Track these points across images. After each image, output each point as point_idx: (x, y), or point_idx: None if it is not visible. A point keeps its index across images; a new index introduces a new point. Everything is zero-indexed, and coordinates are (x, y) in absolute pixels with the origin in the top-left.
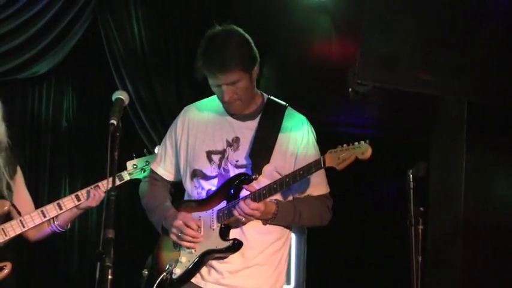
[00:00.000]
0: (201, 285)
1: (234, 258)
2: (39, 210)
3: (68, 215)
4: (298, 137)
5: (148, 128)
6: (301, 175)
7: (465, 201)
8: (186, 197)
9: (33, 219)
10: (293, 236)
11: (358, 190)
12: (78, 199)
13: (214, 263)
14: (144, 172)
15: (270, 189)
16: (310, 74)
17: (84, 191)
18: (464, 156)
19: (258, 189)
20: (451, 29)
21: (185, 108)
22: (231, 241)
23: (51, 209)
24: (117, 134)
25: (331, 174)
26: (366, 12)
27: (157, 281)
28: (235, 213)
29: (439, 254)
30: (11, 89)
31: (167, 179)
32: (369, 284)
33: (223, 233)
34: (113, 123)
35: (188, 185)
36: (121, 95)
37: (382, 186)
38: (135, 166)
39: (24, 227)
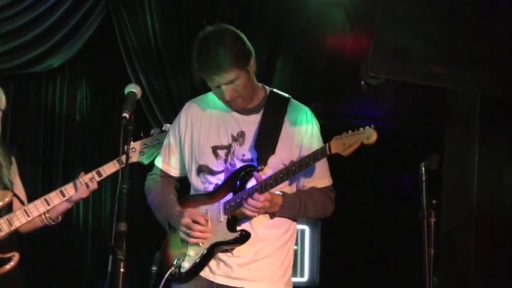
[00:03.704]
0: (210, 278)
1: (243, 251)
2: (42, 199)
3: (60, 208)
4: (302, 128)
5: (162, 121)
6: (307, 163)
7: (478, 193)
8: (192, 192)
9: (37, 208)
10: (307, 228)
11: (371, 182)
12: (63, 195)
13: (223, 256)
14: (142, 155)
15: (276, 179)
16: (324, 67)
17: (68, 186)
18: (477, 148)
19: (264, 180)
20: (464, 22)
21: (187, 103)
22: (239, 232)
23: (54, 197)
24: (130, 128)
25: (344, 168)
26: (379, 5)
27: (165, 276)
28: (247, 212)
29: (451, 246)
30: (25, 82)
31: (172, 174)
32: (382, 276)
33: (231, 225)
34: (125, 117)
35: (194, 180)
36: (133, 88)
37: (395, 179)
38: (133, 150)
39: (29, 216)
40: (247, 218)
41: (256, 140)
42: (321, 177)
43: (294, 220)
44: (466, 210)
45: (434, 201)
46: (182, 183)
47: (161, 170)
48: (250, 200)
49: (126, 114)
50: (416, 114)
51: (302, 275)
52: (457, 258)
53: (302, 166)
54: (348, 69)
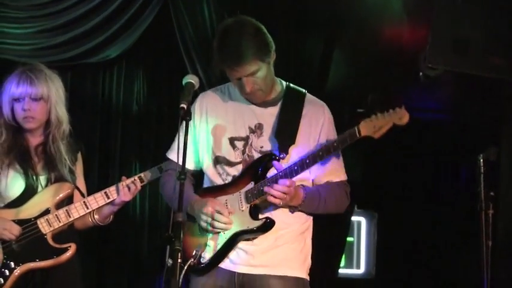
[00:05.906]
0: (230, 269)
1: (262, 239)
2: (102, 192)
3: (106, 211)
4: (319, 122)
5: None
6: (335, 147)
7: None
8: (207, 184)
9: (96, 201)
10: (363, 220)
11: (429, 174)
12: (108, 197)
13: (242, 245)
14: None
15: (302, 165)
16: (381, 58)
17: (112, 188)
18: None
19: (289, 166)
20: None
21: (201, 94)
22: (263, 220)
23: (113, 191)
24: (188, 118)
25: (401, 159)
26: None
27: (185, 268)
28: (271, 199)
29: (510, 237)
30: (82, 73)
31: (188, 167)
32: (439, 268)
33: (254, 213)
34: (183, 107)
35: (211, 171)
36: (191, 79)
37: (453, 170)
38: None
39: (87, 208)
40: (270, 206)
41: (276, 130)
42: (335, 172)
43: (310, 214)
44: None
45: (492, 193)
46: (197, 179)
47: (175, 163)
48: (276, 186)
49: (184, 105)
50: (474, 106)
51: (358, 267)
52: None
53: (329, 150)
54: (405, 60)
